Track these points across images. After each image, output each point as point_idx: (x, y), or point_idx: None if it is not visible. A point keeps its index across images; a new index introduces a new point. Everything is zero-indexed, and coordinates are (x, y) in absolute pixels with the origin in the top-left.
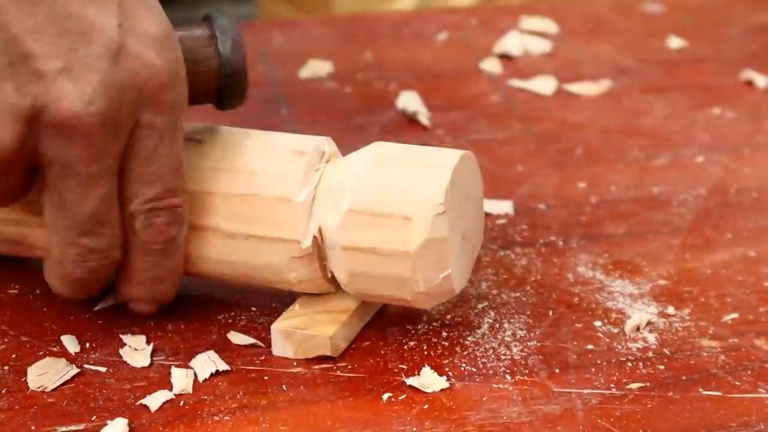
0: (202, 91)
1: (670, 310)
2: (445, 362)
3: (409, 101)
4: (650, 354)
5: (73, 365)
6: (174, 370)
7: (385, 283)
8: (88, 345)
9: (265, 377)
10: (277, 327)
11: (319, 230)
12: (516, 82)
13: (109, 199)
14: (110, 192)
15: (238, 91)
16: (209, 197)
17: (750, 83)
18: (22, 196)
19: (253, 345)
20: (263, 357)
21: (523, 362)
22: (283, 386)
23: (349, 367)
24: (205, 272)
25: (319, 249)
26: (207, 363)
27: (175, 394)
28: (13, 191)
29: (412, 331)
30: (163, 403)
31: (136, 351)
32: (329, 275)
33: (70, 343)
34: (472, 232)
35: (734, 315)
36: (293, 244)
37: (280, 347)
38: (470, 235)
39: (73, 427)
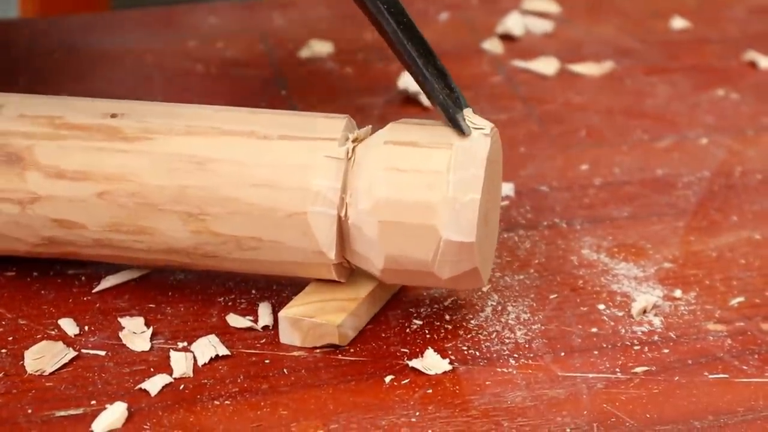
0: None
1: (676, 293)
2: (448, 346)
3: (410, 82)
4: (656, 338)
5: (71, 349)
6: (173, 354)
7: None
8: (86, 328)
9: (266, 361)
10: (285, 315)
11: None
12: (518, 63)
13: None
14: None
15: None
16: (250, 114)
17: (753, 64)
18: None
19: (253, 328)
20: (264, 340)
21: (527, 346)
22: (284, 370)
23: (351, 350)
24: (218, 183)
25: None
26: (207, 347)
27: (174, 378)
28: None
29: (415, 315)
30: (163, 387)
31: (135, 334)
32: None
33: (69, 326)
34: (492, 224)
35: (740, 298)
36: (331, 142)
37: (288, 335)
38: (491, 223)
39: (72, 411)
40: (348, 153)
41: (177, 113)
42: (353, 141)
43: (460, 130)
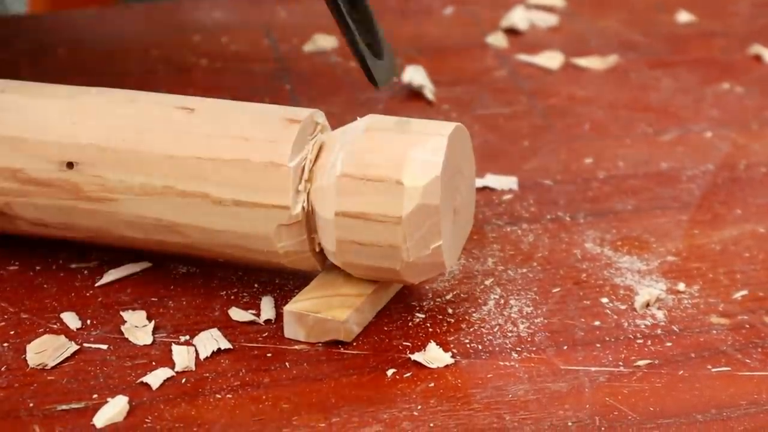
0: None
1: (680, 286)
2: (450, 339)
3: (415, 76)
4: (659, 331)
5: (73, 342)
6: (175, 348)
7: (374, 251)
8: (88, 322)
9: (268, 354)
10: (290, 309)
11: (309, 199)
12: (522, 57)
13: None
14: None
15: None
16: (199, 163)
17: (758, 58)
18: None
19: (255, 322)
20: (266, 334)
21: (529, 339)
22: (286, 363)
23: (354, 344)
24: (191, 242)
25: (308, 219)
26: (209, 340)
27: (176, 372)
28: None
29: (417, 308)
30: (165, 380)
31: (137, 328)
32: (317, 248)
33: (71, 320)
34: (464, 209)
35: (744, 292)
36: (283, 210)
37: (292, 330)
38: (462, 213)
39: (74, 405)
40: (303, 209)
41: (130, 161)
42: (304, 203)
43: (373, 81)
